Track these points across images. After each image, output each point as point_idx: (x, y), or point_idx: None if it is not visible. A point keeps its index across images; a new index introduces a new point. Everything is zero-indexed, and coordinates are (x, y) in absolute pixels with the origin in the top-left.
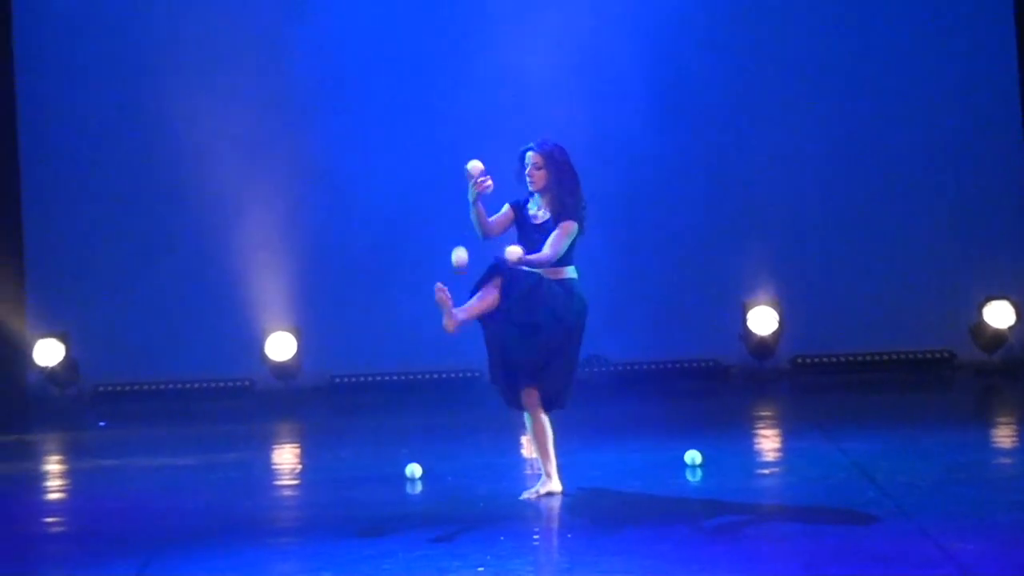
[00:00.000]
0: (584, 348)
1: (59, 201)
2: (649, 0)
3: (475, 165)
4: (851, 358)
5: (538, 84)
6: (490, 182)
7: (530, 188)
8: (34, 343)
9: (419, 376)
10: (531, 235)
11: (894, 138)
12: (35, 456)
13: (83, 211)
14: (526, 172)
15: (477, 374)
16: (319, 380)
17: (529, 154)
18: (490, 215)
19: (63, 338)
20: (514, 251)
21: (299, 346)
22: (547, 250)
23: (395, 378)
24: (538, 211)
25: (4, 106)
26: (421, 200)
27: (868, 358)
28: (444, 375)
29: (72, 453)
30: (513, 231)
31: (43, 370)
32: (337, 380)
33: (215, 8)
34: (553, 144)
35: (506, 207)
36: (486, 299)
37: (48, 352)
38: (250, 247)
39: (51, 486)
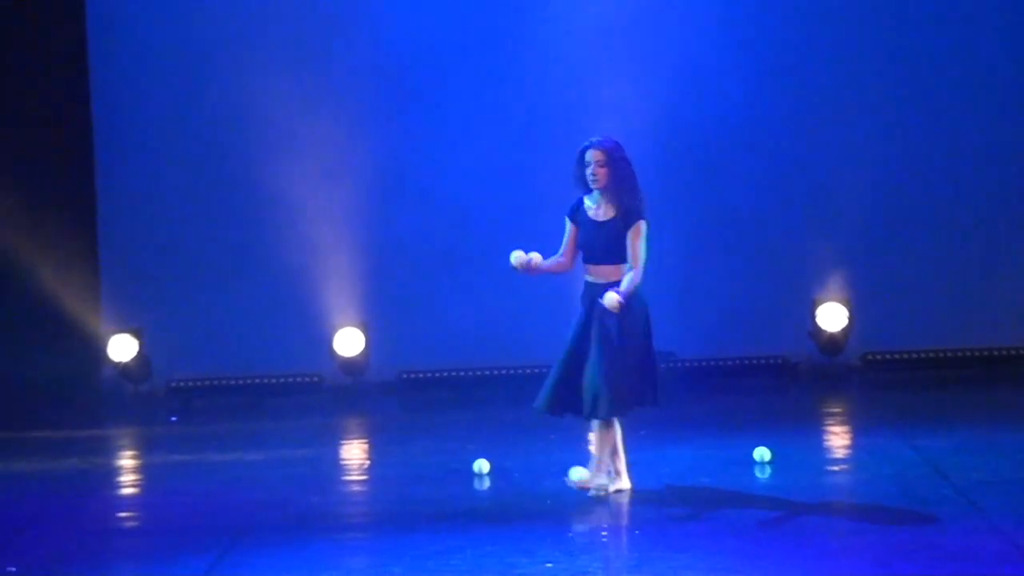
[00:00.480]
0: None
1: (133, 199)
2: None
3: (518, 257)
4: (923, 354)
5: (604, 79)
6: (537, 258)
7: (593, 186)
8: (108, 339)
9: (487, 372)
10: (593, 234)
11: (967, 131)
12: (109, 451)
13: (157, 210)
14: (589, 171)
15: (546, 370)
16: (387, 376)
17: (590, 152)
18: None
19: (137, 334)
20: (613, 299)
21: (367, 342)
22: (635, 264)
23: (462, 374)
24: (596, 208)
25: (80, 106)
26: (488, 196)
27: (940, 354)
28: (512, 371)
29: (145, 448)
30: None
31: (117, 366)
32: (405, 376)
33: (286, 10)
34: (612, 141)
35: (568, 225)
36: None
37: (122, 348)
38: (319, 244)
39: (124, 481)
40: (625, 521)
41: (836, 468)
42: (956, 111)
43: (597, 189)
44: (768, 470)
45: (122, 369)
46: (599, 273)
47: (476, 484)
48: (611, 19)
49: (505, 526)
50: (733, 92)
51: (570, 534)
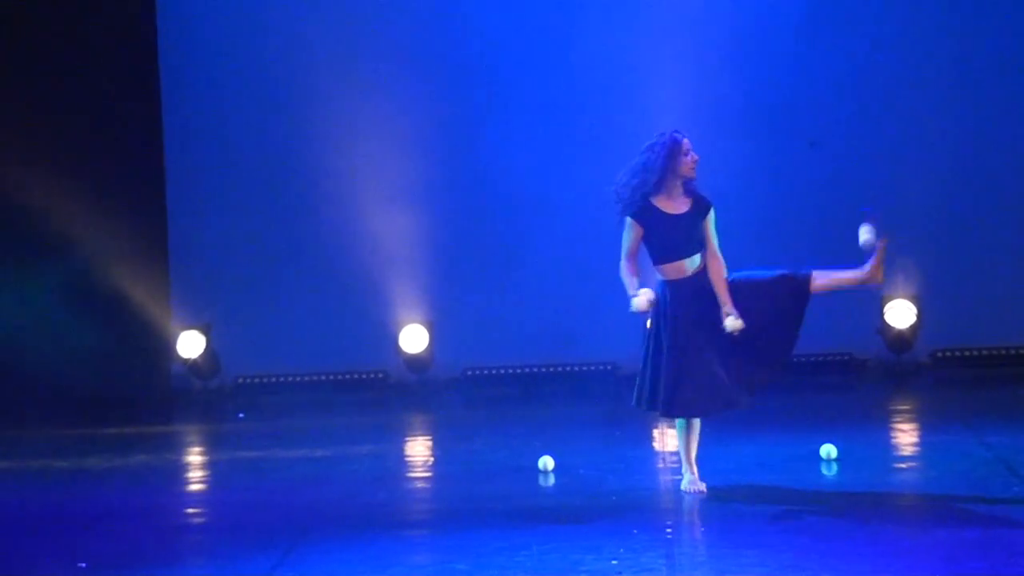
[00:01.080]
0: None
1: (202, 197)
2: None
3: (639, 304)
4: (993, 352)
5: (661, 78)
6: (649, 293)
7: (690, 176)
8: (178, 335)
9: (551, 369)
10: (669, 231)
11: None
12: (177, 447)
13: (224, 207)
14: (688, 158)
15: (610, 367)
16: (451, 372)
17: (688, 141)
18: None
19: (205, 331)
20: (735, 324)
21: (432, 339)
22: (718, 254)
23: (527, 370)
24: (670, 202)
25: (149, 106)
26: (553, 193)
27: (1010, 351)
28: (576, 368)
29: (212, 444)
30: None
31: (186, 362)
32: (469, 372)
33: (355, 9)
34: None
35: (636, 228)
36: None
37: (191, 344)
38: (384, 241)
39: (192, 477)
40: (690, 518)
41: (904, 465)
42: (1021, 101)
43: (689, 180)
44: (835, 467)
45: (191, 365)
46: (681, 270)
47: (541, 481)
48: (661, 16)
49: (570, 523)
50: (790, 86)
51: (635, 531)
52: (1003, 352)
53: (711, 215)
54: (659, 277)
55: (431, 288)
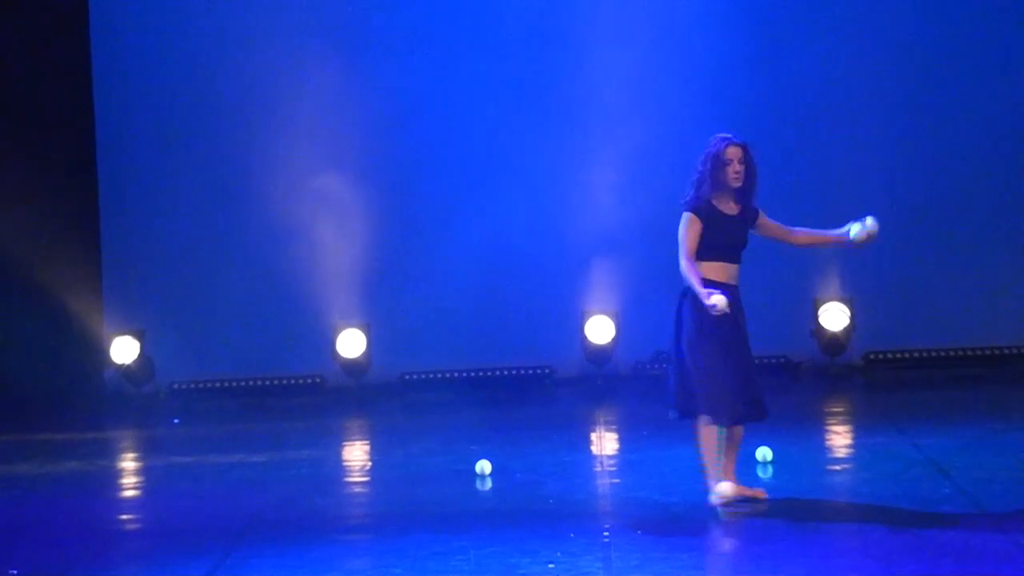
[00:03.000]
0: (654, 344)
1: (135, 201)
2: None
3: (723, 306)
4: (924, 354)
5: (614, 79)
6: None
7: (734, 185)
8: (110, 341)
9: (489, 372)
10: (728, 229)
11: (967, 131)
12: (111, 453)
13: (158, 211)
14: (729, 169)
15: (547, 370)
16: (389, 377)
17: (733, 148)
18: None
19: (138, 336)
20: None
21: (369, 343)
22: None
23: (464, 374)
24: (724, 204)
25: (82, 109)
26: (491, 197)
27: (942, 354)
28: (514, 371)
29: (147, 450)
30: None
31: (119, 368)
32: (407, 377)
33: (288, 14)
34: (743, 138)
35: (695, 223)
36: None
37: (124, 350)
38: (320, 245)
39: (126, 483)
40: (626, 522)
41: (838, 467)
42: (958, 112)
43: (737, 187)
44: (770, 470)
45: (124, 371)
46: (727, 272)
47: (478, 485)
48: (625, 21)
49: (507, 527)
50: (737, 91)
51: (572, 535)
52: (933, 354)
53: (761, 215)
54: (707, 277)
55: (368, 292)
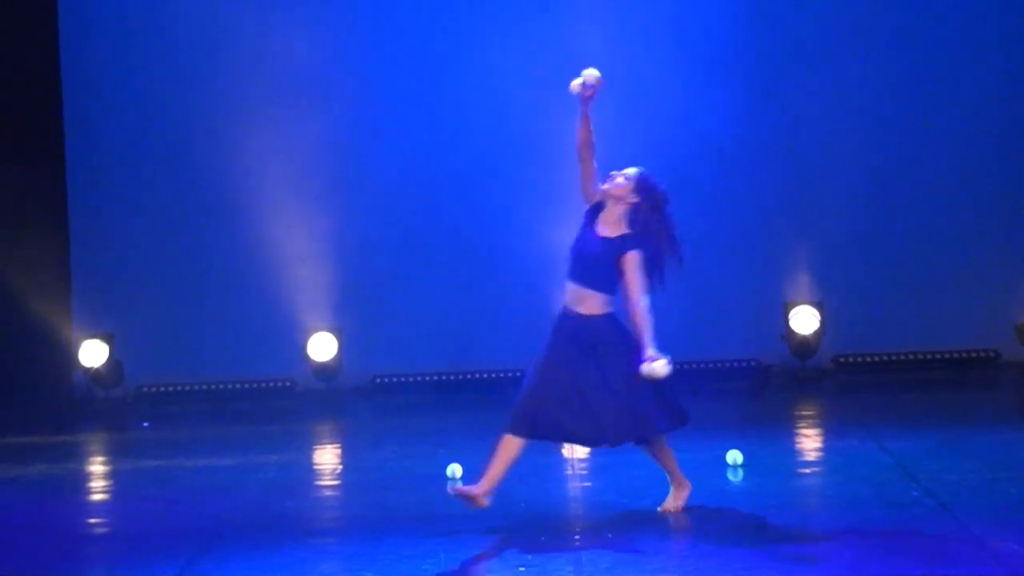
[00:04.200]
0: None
1: (104, 204)
2: (675, 11)
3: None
4: (894, 357)
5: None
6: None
7: (610, 197)
8: (79, 344)
9: (460, 376)
10: (577, 247)
11: (938, 136)
12: (79, 457)
13: (128, 213)
14: (608, 178)
15: (518, 374)
16: (360, 380)
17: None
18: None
19: (107, 339)
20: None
21: (340, 346)
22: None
23: (436, 378)
24: (603, 221)
25: (50, 111)
26: (462, 200)
27: (911, 357)
28: (485, 375)
29: (115, 454)
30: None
31: (88, 371)
32: (378, 380)
33: (254, 16)
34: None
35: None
36: None
37: (93, 353)
38: (292, 248)
39: (95, 487)
40: (598, 525)
41: (808, 471)
42: (927, 118)
43: (626, 204)
44: (740, 473)
45: (93, 374)
46: (570, 295)
47: (449, 488)
48: (589, 34)
49: (478, 531)
50: (707, 99)
51: (543, 538)
52: (902, 357)
53: (629, 257)
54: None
55: (339, 295)
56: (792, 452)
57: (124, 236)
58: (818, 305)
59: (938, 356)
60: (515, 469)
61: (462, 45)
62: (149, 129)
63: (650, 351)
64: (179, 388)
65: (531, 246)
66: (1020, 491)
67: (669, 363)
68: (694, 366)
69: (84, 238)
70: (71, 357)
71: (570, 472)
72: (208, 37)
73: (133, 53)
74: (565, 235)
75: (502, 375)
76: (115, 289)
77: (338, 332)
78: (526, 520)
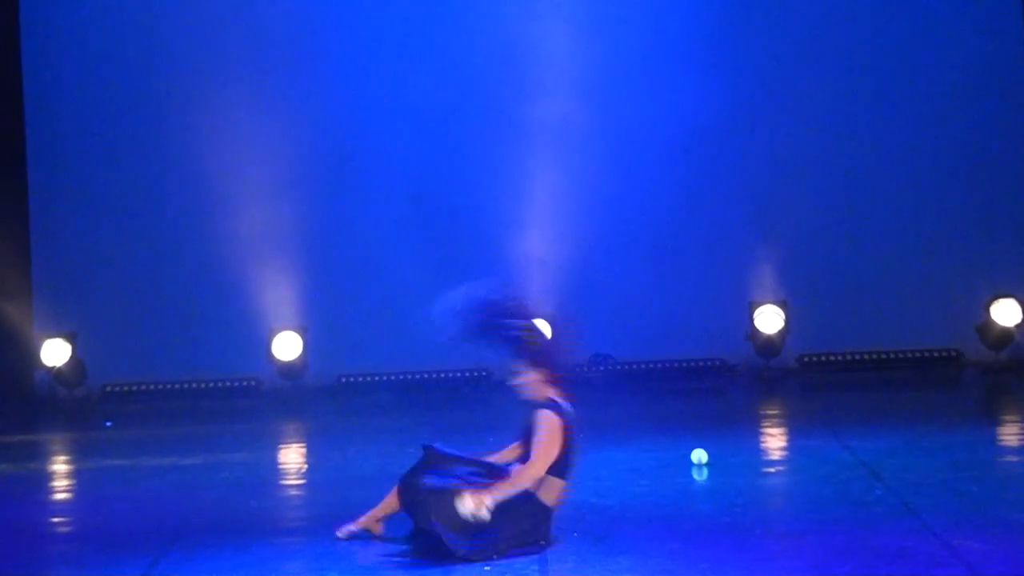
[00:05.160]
0: (591, 347)
1: (66, 202)
2: (644, 12)
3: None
4: (857, 357)
5: (548, 89)
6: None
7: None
8: (41, 343)
9: (425, 375)
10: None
11: (900, 139)
12: (42, 456)
13: (90, 212)
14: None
15: (484, 373)
16: (325, 380)
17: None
18: None
19: (70, 338)
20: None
21: (305, 346)
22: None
23: (401, 377)
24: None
25: (11, 109)
26: (427, 200)
27: (875, 357)
28: (450, 374)
29: (79, 453)
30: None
31: (50, 370)
32: (343, 380)
33: (223, 11)
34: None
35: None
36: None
37: (55, 352)
38: (256, 247)
39: (58, 486)
40: (563, 525)
41: (773, 470)
42: (893, 121)
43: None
44: (705, 472)
45: (55, 373)
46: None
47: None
48: (557, 28)
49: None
50: (672, 98)
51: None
52: (866, 357)
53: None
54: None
55: (304, 294)
56: (757, 451)
57: (86, 235)
58: (782, 305)
59: (901, 356)
60: None
61: (437, 34)
62: (111, 127)
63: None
64: (143, 387)
65: (498, 247)
66: (981, 490)
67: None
68: (660, 365)
69: (45, 237)
70: (33, 356)
71: None
72: (172, 34)
73: (95, 46)
74: (536, 235)
75: (467, 375)
76: (77, 288)
77: (303, 331)
78: None
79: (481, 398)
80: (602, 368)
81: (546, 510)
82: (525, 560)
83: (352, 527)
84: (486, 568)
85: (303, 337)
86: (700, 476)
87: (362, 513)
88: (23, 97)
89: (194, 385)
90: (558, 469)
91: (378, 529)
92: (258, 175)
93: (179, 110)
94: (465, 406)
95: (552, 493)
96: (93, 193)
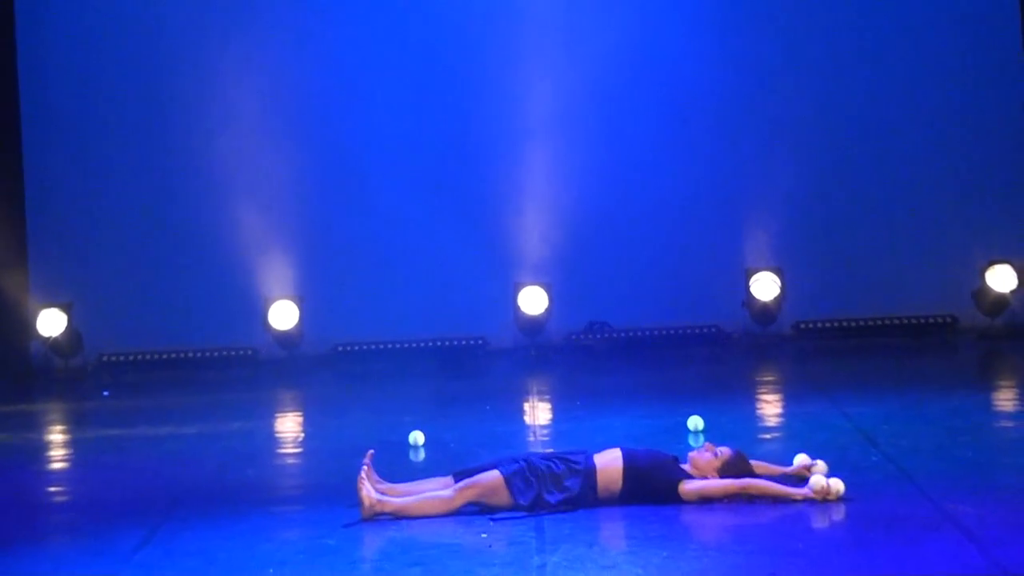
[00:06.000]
0: (588, 315)
1: (61, 172)
2: None
3: None
4: (853, 323)
5: (540, 59)
6: None
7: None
8: (37, 314)
9: (421, 344)
10: None
11: (896, 105)
12: (38, 426)
13: (86, 182)
14: None
15: (480, 341)
16: (321, 348)
17: None
18: None
19: (66, 308)
20: None
21: (301, 315)
22: None
23: (397, 346)
24: None
25: (6, 77)
26: (423, 169)
27: (870, 323)
28: (446, 343)
29: (75, 423)
30: None
31: (46, 340)
32: (339, 348)
33: None
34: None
35: None
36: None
37: (51, 322)
38: (252, 216)
39: (55, 456)
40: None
41: (768, 436)
42: (886, 84)
43: None
44: (702, 439)
45: (51, 344)
46: None
47: (412, 456)
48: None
49: None
50: (666, 66)
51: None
52: (861, 323)
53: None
54: None
55: (300, 263)
56: (753, 418)
57: (82, 205)
58: (778, 272)
59: (896, 322)
60: (476, 438)
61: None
62: (107, 95)
63: None
64: (139, 357)
65: (493, 215)
66: (976, 455)
67: None
68: (656, 332)
69: (41, 207)
70: (29, 326)
71: (532, 439)
72: (173, 3)
73: (90, 15)
74: (533, 205)
75: (464, 343)
76: (73, 258)
77: (299, 301)
78: None
79: (478, 366)
80: (599, 336)
81: (595, 488)
82: (523, 527)
83: (365, 492)
84: (483, 535)
85: (299, 306)
86: (696, 443)
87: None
88: (16, 63)
89: (190, 354)
90: (637, 481)
91: (379, 510)
92: (255, 144)
93: (177, 79)
94: (462, 374)
95: (609, 480)
96: (89, 163)
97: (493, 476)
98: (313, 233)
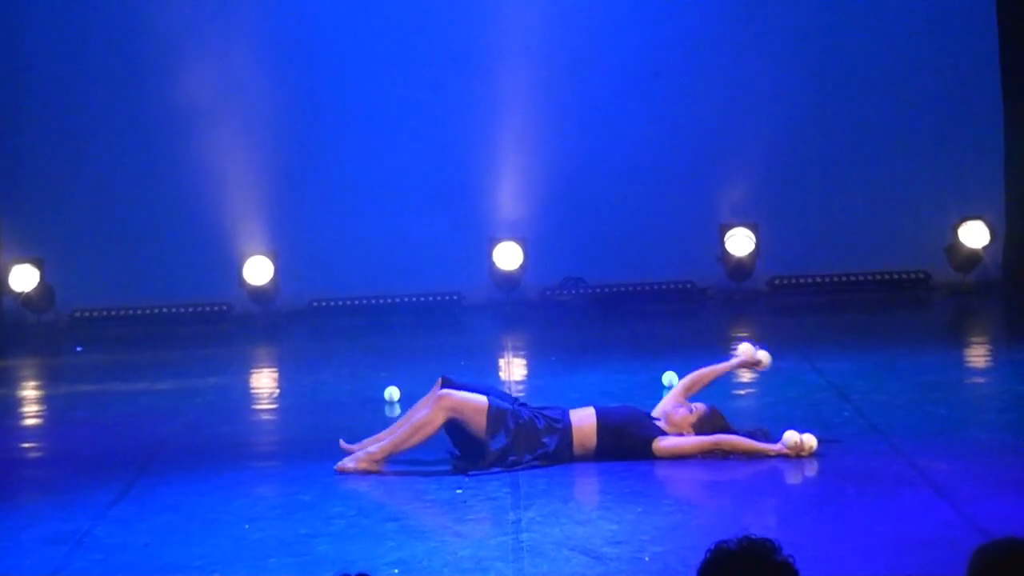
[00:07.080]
0: (563, 270)
1: (32, 124)
2: None
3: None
4: (827, 279)
5: (519, 13)
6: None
7: None
8: (8, 269)
9: (397, 299)
10: None
11: (870, 61)
12: (11, 382)
13: (56, 136)
14: None
15: (456, 297)
16: (297, 304)
17: None
18: None
19: (38, 263)
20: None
21: (276, 270)
22: None
23: (373, 301)
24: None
25: None
26: (399, 124)
27: (844, 279)
28: (422, 298)
29: (49, 379)
30: None
31: (18, 296)
32: (315, 304)
33: None
34: None
35: None
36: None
37: (23, 277)
38: (227, 171)
39: (28, 411)
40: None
41: (743, 392)
42: (858, 41)
43: None
44: None
45: (23, 299)
46: None
47: (387, 412)
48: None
49: (415, 452)
50: (638, 22)
51: (480, 460)
52: (836, 279)
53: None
54: None
55: (275, 218)
56: (731, 374)
57: (53, 159)
58: (753, 227)
59: (870, 278)
60: None
61: None
62: (78, 47)
63: None
64: (113, 312)
65: (466, 170)
66: (948, 411)
67: None
68: (630, 288)
69: (11, 161)
70: (1, 282)
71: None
72: None
73: None
74: (508, 161)
75: (439, 299)
76: (45, 212)
77: (274, 256)
78: None
79: (453, 322)
80: (574, 291)
81: (571, 447)
82: (497, 483)
83: (350, 464)
84: (458, 491)
85: (274, 261)
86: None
87: (351, 444)
88: None
89: (164, 310)
90: (611, 439)
91: (379, 468)
92: (230, 98)
93: (150, 34)
94: (437, 330)
95: (584, 438)
96: (59, 116)
97: (480, 400)
98: (288, 188)
